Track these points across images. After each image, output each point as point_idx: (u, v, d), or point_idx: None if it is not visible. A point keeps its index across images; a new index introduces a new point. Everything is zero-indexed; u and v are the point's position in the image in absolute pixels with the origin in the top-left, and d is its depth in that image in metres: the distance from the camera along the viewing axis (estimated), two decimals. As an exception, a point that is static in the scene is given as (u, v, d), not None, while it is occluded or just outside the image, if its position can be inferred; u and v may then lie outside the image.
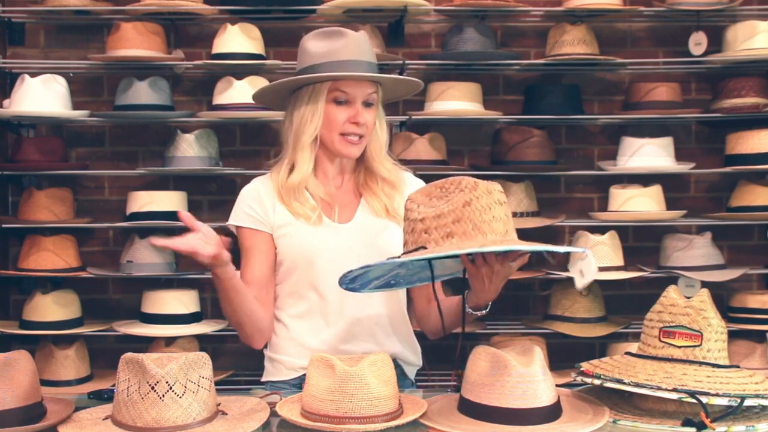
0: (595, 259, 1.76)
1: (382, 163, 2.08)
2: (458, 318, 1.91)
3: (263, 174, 2.13)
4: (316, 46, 2.01)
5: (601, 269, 3.19)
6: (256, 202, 2.05)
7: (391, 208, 2.05)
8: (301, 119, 2.01)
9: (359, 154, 2.05)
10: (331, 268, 1.96)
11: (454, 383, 1.79)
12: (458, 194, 1.65)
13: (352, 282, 1.78)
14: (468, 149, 3.54)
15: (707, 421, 1.51)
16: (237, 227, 2.08)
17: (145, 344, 3.18)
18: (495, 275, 1.76)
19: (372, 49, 2.07)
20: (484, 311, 1.89)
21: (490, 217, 1.63)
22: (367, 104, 2.01)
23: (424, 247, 1.62)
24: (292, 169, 2.04)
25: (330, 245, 2.00)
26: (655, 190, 3.28)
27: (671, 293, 1.71)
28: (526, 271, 3.33)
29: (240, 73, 3.23)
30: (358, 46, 2.00)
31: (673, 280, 3.19)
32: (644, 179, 3.34)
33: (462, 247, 1.59)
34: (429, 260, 1.78)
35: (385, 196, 2.06)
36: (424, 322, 2.14)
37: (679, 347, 1.64)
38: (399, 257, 1.65)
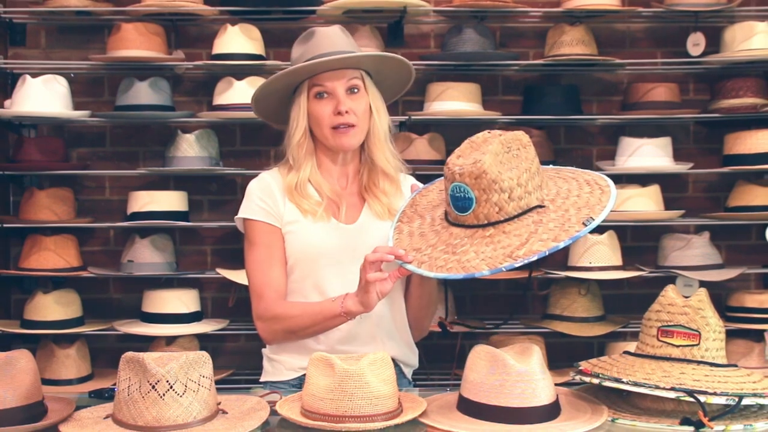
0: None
1: (382, 150, 2.06)
2: (428, 302, 2.04)
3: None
4: (295, 51, 2.05)
5: (600, 269, 3.20)
6: (268, 196, 2.03)
7: (393, 210, 2.05)
8: (291, 122, 2.04)
9: (356, 143, 2.02)
10: (335, 268, 1.97)
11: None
12: (524, 150, 1.69)
13: None
14: (467, 149, 3.53)
15: (705, 420, 1.51)
16: (250, 220, 2.03)
17: (146, 343, 3.19)
18: None
19: (348, 38, 2.05)
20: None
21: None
22: (351, 91, 2.00)
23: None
24: (291, 170, 2.05)
25: (334, 245, 1.99)
26: (654, 190, 3.29)
27: (669, 292, 1.71)
28: (525, 271, 3.34)
29: (240, 73, 3.24)
30: (328, 39, 2.01)
31: (672, 279, 3.19)
32: (642, 179, 3.34)
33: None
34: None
35: (386, 196, 2.05)
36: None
37: (677, 346, 1.65)
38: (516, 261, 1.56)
